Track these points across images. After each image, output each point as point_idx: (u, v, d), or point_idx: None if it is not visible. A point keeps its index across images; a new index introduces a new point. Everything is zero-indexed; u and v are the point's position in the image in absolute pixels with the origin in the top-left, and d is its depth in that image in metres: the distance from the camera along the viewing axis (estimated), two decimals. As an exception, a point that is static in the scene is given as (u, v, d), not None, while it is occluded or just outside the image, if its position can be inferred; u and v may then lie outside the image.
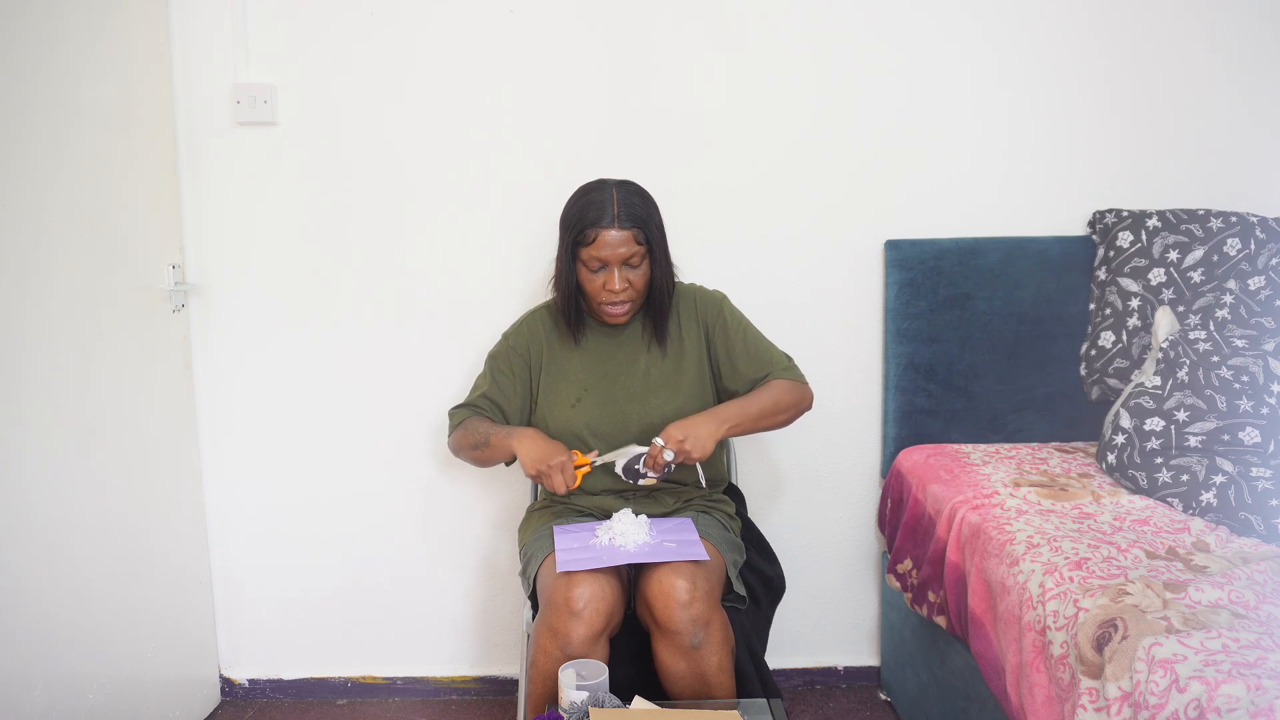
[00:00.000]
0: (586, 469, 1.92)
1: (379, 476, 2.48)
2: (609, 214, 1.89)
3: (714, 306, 2.05)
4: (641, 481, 1.91)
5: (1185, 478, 1.93)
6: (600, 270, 1.92)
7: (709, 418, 1.91)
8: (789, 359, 2.05)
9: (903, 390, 2.38)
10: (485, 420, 2.04)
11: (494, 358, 2.10)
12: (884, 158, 2.38)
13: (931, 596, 2.05)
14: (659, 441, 1.87)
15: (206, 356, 2.44)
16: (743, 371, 2.02)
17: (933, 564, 2.04)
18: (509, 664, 2.56)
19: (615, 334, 2.05)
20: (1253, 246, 2.22)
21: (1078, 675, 1.48)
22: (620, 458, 1.91)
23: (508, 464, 2.03)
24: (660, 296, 1.99)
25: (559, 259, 1.97)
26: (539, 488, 2.20)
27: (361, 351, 2.44)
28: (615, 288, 1.91)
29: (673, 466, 1.91)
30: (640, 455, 1.89)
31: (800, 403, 2.02)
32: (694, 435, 1.86)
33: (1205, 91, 2.37)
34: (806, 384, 2.04)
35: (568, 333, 2.03)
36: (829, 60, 2.35)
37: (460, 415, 2.07)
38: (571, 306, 1.99)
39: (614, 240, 1.88)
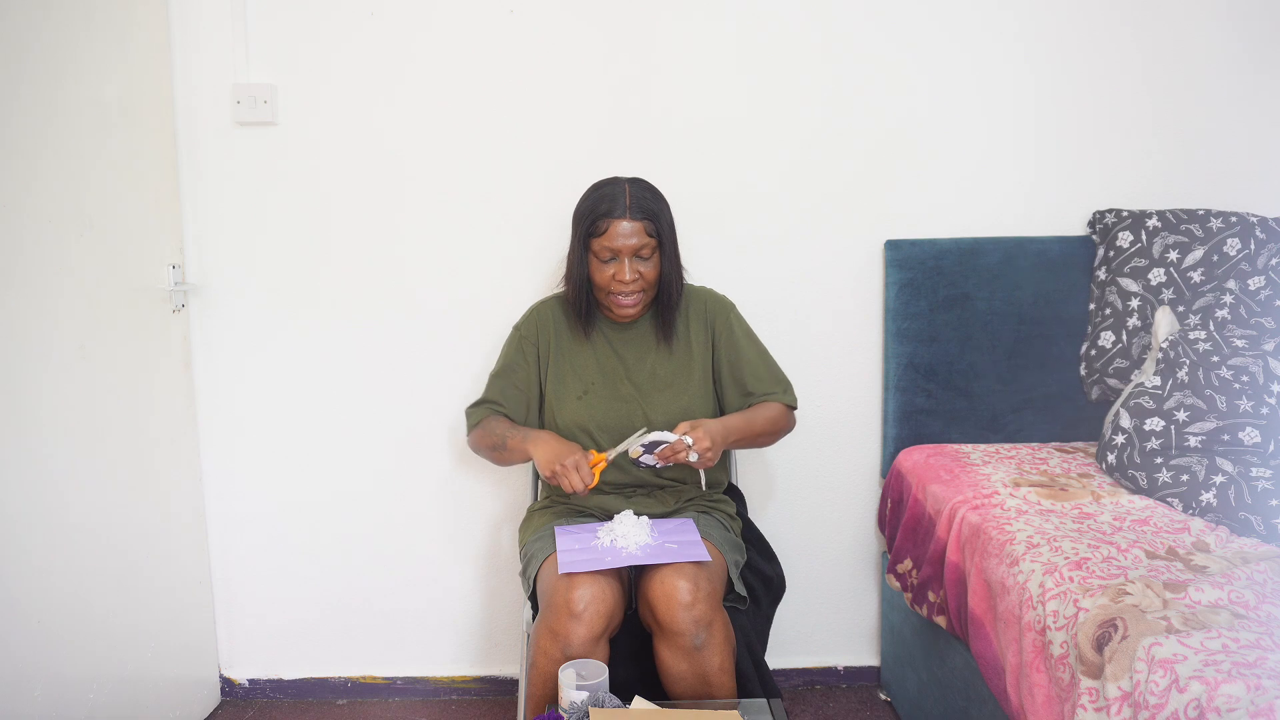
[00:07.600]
0: (603, 465, 1.90)
1: (379, 477, 2.48)
2: (621, 205, 1.92)
3: (723, 311, 2.08)
4: (643, 463, 1.89)
5: (1185, 478, 1.93)
6: (611, 261, 1.94)
7: (720, 427, 1.92)
8: (788, 381, 2.09)
9: (903, 390, 2.38)
10: (503, 421, 2.05)
11: (507, 347, 2.11)
12: (884, 158, 2.38)
13: (931, 596, 2.05)
14: (688, 441, 1.84)
15: (206, 357, 2.43)
16: (744, 383, 2.05)
17: (933, 564, 2.04)
18: (509, 664, 2.56)
19: (624, 330, 2.06)
20: (1253, 246, 2.22)
21: (1078, 675, 1.48)
22: (635, 442, 1.88)
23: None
24: (669, 292, 2.00)
25: (571, 253, 2.00)
26: (540, 487, 2.20)
27: (361, 352, 2.44)
28: (626, 278, 1.93)
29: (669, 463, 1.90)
30: (658, 443, 1.86)
31: (787, 429, 2.09)
32: (715, 446, 1.87)
33: (1205, 91, 2.37)
34: (794, 408, 2.09)
35: (577, 326, 2.05)
36: (830, 61, 2.35)
37: (478, 415, 2.08)
38: (583, 300, 2.01)
39: (626, 231, 1.91)
